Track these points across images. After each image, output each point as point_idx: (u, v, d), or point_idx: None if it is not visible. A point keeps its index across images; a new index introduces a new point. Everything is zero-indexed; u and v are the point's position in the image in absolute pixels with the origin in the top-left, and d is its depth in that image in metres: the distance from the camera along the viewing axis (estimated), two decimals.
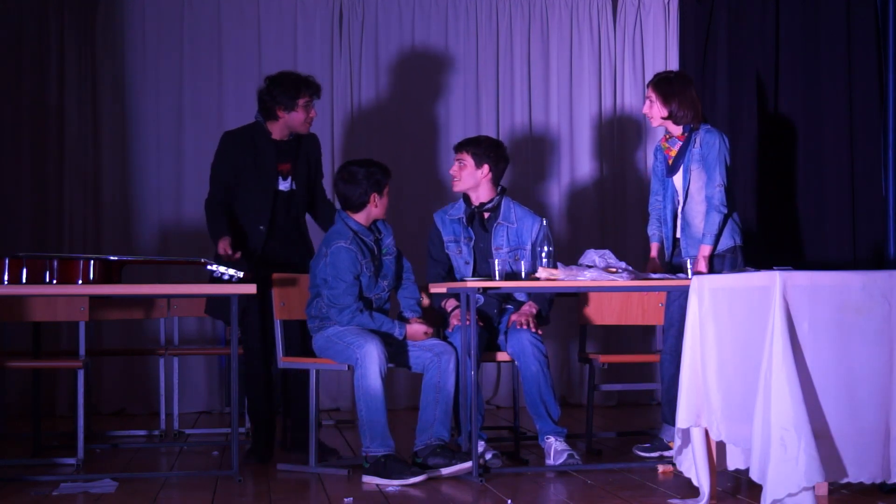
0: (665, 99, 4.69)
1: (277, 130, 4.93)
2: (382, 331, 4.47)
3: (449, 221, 4.90)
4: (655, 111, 4.72)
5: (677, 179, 4.76)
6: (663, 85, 4.72)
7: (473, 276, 4.77)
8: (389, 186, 4.62)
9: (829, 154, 6.75)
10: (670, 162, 4.76)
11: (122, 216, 6.61)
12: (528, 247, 4.82)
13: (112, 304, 5.50)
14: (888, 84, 6.74)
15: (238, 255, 4.76)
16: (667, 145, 4.79)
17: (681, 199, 4.75)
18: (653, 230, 4.90)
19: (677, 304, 4.62)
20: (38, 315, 4.93)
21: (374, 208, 4.56)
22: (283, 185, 4.93)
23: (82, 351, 4.78)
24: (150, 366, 6.43)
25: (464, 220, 4.86)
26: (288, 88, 4.87)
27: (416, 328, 4.52)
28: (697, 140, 4.69)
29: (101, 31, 6.63)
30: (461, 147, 4.87)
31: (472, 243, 4.85)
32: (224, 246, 4.78)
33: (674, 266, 4.75)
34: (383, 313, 4.58)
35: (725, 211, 4.63)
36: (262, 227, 4.88)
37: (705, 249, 4.62)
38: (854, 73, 6.77)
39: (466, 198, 4.88)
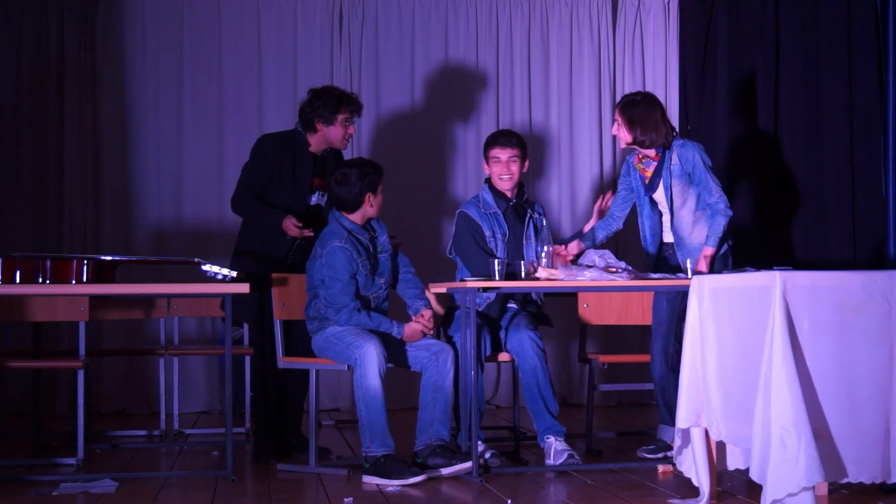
0: (629, 124, 4.69)
1: (315, 143, 4.93)
2: (381, 331, 4.47)
3: (483, 216, 4.87)
4: (623, 134, 4.74)
5: (658, 196, 4.77)
6: (628, 109, 4.71)
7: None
8: (384, 184, 4.63)
9: (829, 154, 6.75)
10: (646, 182, 4.77)
11: (122, 216, 6.61)
12: (544, 234, 4.89)
13: (112, 304, 5.50)
14: (888, 84, 6.74)
15: (310, 231, 4.77)
16: (641, 166, 4.79)
17: (667, 216, 4.76)
18: (600, 230, 4.89)
19: (665, 305, 4.66)
20: (39, 315, 4.93)
21: (370, 208, 4.57)
22: (314, 199, 4.95)
23: (82, 351, 4.78)
24: (150, 366, 6.44)
25: (500, 214, 4.86)
26: (329, 102, 4.87)
27: (414, 328, 4.52)
28: (674, 157, 4.69)
29: (101, 31, 6.63)
30: (513, 143, 4.86)
31: (506, 239, 4.85)
32: (291, 223, 4.76)
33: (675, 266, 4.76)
34: (382, 313, 4.58)
35: (731, 213, 4.64)
36: (288, 236, 4.87)
37: (708, 250, 4.63)
38: (854, 72, 6.77)
39: (496, 192, 4.88)
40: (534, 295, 4.91)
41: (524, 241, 4.85)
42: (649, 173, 4.75)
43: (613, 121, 4.77)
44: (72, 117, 6.55)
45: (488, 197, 4.89)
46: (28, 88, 6.55)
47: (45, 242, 6.48)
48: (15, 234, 6.43)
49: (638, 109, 4.69)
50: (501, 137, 4.91)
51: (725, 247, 4.71)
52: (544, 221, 4.91)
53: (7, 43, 6.53)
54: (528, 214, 4.91)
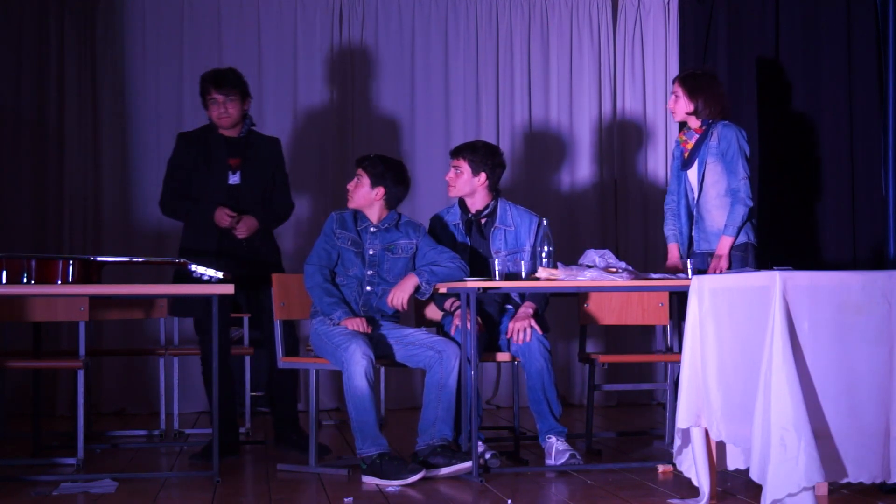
0: (691, 94, 4.70)
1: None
2: (326, 310, 4.50)
3: (443, 227, 4.86)
4: (681, 106, 4.73)
5: (692, 173, 4.76)
6: (689, 80, 4.73)
7: None
8: (356, 175, 4.66)
9: (829, 154, 6.75)
10: (686, 155, 4.76)
11: (122, 216, 6.60)
12: (528, 248, 4.78)
13: (112, 304, 5.50)
14: (888, 83, 6.75)
15: (235, 216, 4.88)
16: (684, 138, 4.79)
17: (696, 193, 4.74)
18: (669, 230, 4.88)
19: None
20: (39, 315, 4.93)
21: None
22: (233, 180, 4.99)
23: (82, 351, 4.78)
24: (150, 366, 6.43)
25: (460, 226, 4.84)
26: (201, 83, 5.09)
27: (354, 323, 4.48)
28: (715, 134, 4.69)
29: (101, 31, 6.63)
30: (458, 153, 4.81)
31: (468, 250, 4.81)
32: (224, 214, 4.87)
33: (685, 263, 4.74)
34: (369, 311, 4.59)
35: (751, 204, 4.63)
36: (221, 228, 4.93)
37: (726, 242, 4.62)
38: (854, 72, 6.77)
39: (462, 203, 4.86)
40: (516, 297, 4.86)
41: (493, 255, 4.73)
42: (690, 146, 4.74)
43: (671, 94, 4.76)
44: (72, 117, 6.55)
45: (457, 207, 4.87)
46: (28, 89, 6.54)
47: (46, 243, 6.48)
48: (15, 234, 6.43)
49: (701, 81, 4.72)
50: (455, 147, 4.88)
51: (745, 238, 4.68)
52: (544, 223, 4.84)
53: (7, 43, 6.53)
54: (493, 228, 4.80)
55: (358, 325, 4.47)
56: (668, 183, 4.93)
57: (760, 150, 6.71)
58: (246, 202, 4.99)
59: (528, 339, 4.60)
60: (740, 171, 4.63)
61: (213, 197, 4.95)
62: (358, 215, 4.65)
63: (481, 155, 4.77)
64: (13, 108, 6.53)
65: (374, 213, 4.66)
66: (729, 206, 4.65)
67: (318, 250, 4.62)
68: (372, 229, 4.63)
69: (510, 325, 4.65)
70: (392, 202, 4.67)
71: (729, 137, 4.66)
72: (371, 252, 4.61)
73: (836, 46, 6.75)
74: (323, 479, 4.35)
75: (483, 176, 4.77)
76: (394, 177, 4.64)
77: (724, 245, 4.61)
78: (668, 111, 4.85)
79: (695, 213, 4.75)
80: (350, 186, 4.68)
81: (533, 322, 4.63)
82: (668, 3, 7.05)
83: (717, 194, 4.69)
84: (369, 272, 4.60)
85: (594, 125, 6.99)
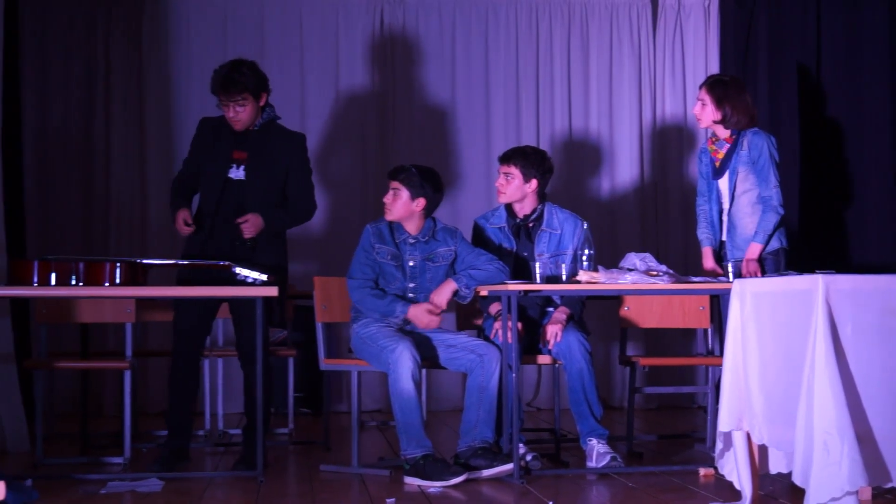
0: (719, 102, 4.68)
1: None
2: (385, 311, 4.52)
3: (491, 230, 4.89)
4: (707, 113, 4.71)
5: (723, 182, 4.75)
6: (718, 87, 4.70)
7: None
8: (391, 189, 4.60)
9: (872, 156, 6.70)
10: (717, 164, 4.75)
11: (167, 220, 6.64)
12: (570, 251, 4.79)
13: (157, 305, 5.57)
14: None
15: (192, 228, 4.63)
16: (714, 147, 4.77)
17: (726, 202, 4.74)
18: (704, 234, 4.88)
19: None
20: (87, 316, 5.01)
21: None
22: (234, 174, 4.66)
23: (129, 352, 4.85)
24: None
25: (506, 229, 4.85)
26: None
27: (420, 315, 4.49)
28: (745, 143, 4.68)
29: (147, 39, 6.74)
30: (508, 160, 4.78)
31: (513, 255, 4.83)
32: (182, 217, 4.62)
33: (724, 268, 4.74)
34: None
35: (783, 212, 4.63)
36: (209, 212, 4.67)
37: (755, 248, 4.61)
38: None
39: (508, 207, 4.86)
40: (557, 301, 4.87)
41: (536, 258, 4.75)
42: (721, 155, 4.73)
43: (697, 100, 4.74)
44: (118, 124, 6.67)
45: (502, 211, 4.87)
46: (77, 97, 6.68)
47: (92, 244, 6.59)
48: (65, 237, 6.55)
49: (729, 89, 4.69)
50: (505, 152, 4.86)
51: (777, 245, 4.68)
52: (585, 226, 4.84)
53: (57, 52, 6.66)
54: (539, 231, 4.80)
55: (423, 310, 4.49)
56: (698, 186, 4.92)
57: (802, 152, 6.68)
58: (250, 200, 4.63)
59: (558, 339, 4.60)
60: (772, 179, 4.63)
61: (210, 190, 4.66)
62: (394, 226, 4.63)
63: (532, 161, 4.76)
64: (62, 116, 6.66)
65: (413, 224, 4.64)
66: (760, 213, 4.65)
67: (360, 265, 4.60)
68: (411, 241, 4.64)
69: (547, 329, 4.66)
70: (431, 210, 4.67)
71: (760, 145, 4.65)
72: (411, 263, 4.63)
73: (878, 50, 6.70)
74: (365, 480, 4.40)
75: (534, 182, 4.76)
76: (433, 186, 4.61)
77: (753, 251, 4.62)
78: (694, 116, 4.81)
79: (726, 221, 4.74)
80: (387, 200, 4.61)
81: (559, 328, 4.63)
82: (709, 6, 7.03)
83: (748, 202, 4.68)
84: (411, 284, 4.63)
85: (634, 129, 6.98)
